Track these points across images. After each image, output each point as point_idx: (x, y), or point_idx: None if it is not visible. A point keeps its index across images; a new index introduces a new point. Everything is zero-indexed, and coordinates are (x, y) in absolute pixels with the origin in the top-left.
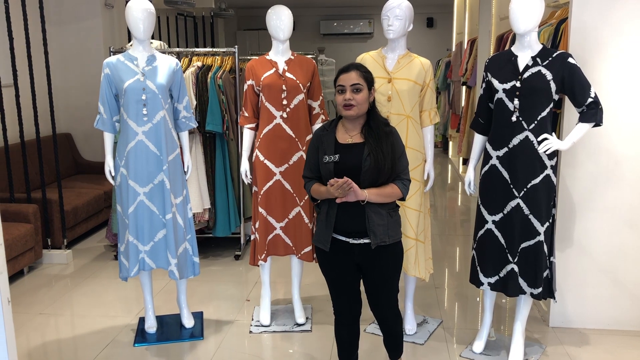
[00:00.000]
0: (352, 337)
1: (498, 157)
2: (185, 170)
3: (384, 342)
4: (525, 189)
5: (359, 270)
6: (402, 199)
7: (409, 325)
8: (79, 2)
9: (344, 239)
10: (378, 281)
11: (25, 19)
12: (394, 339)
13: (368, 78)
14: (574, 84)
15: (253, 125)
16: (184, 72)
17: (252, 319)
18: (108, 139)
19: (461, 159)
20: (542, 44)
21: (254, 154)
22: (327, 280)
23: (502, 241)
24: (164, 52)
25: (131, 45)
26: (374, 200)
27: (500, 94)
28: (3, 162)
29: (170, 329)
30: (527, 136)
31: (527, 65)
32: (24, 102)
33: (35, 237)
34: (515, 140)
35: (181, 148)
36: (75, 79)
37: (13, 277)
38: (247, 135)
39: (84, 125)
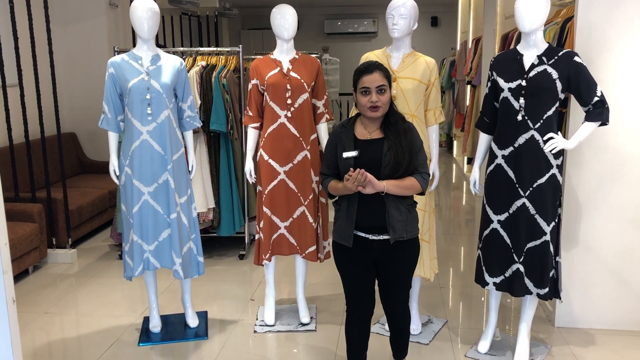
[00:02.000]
0: (362, 337)
1: (503, 157)
2: (190, 169)
3: (390, 340)
4: (530, 189)
5: (375, 267)
6: (422, 193)
7: (414, 325)
8: (83, 1)
9: (363, 234)
10: (393, 276)
11: (30, 18)
12: (400, 337)
13: (389, 77)
14: (580, 83)
15: (257, 124)
16: (188, 71)
17: (257, 319)
18: (112, 138)
19: (466, 158)
20: (548, 42)
21: (259, 154)
22: (343, 277)
23: (508, 241)
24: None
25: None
26: (393, 191)
27: (506, 93)
28: (8, 162)
29: (174, 328)
30: (532, 135)
31: (532, 64)
32: (29, 102)
33: (40, 237)
34: (521, 140)
35: (185, 147)
36: (80, 79)
37: (18, 277)
38: (252, 134)
39: (88, 125)
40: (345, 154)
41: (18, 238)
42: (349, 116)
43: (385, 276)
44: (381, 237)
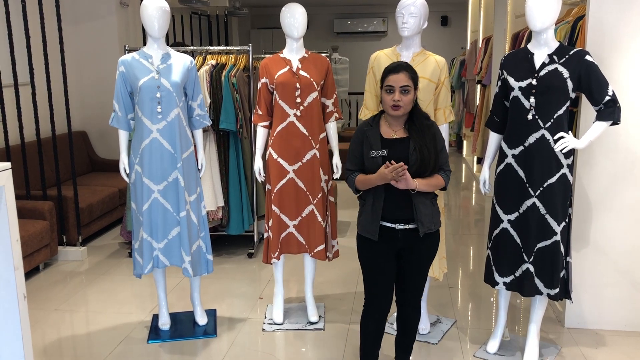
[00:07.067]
0: (378, 332)
1: (514, 156)
2: (199, 168)
3: (395, 341)
4: (541, 188)
5: (398, 258)
6: (444, 188)
7: (423, 324)
8: (94, 1)
9: (390, 225)
10: (414, 265)
11: (41, 17)
12: (406, 337)
13: (415, 79)
14: (591, 82)
15: (267, 123)
16: (198, 70)
17: (265, 317)
18: (123, 136)
19: (475, 157)
20: (559, 41)
21: (268, 152)
22: (366, 269)
23: (518, 240)
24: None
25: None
26: (423, 189)
27: (516, 92)
28: (19, 160)
29: (183, 326)
30: (543, 135)
31: (543, 63)
32: (40, 100)
33: (51, 234)
34: (531, 139)
35: (195, 146)
36: (91, 77)
37: (29, 274)
38: (261, 133)
39: (99, 123)
40: (373, 153)
41: (29, 235)
42: (358, 115)
43: (406, 266)
44: (407, 227)
